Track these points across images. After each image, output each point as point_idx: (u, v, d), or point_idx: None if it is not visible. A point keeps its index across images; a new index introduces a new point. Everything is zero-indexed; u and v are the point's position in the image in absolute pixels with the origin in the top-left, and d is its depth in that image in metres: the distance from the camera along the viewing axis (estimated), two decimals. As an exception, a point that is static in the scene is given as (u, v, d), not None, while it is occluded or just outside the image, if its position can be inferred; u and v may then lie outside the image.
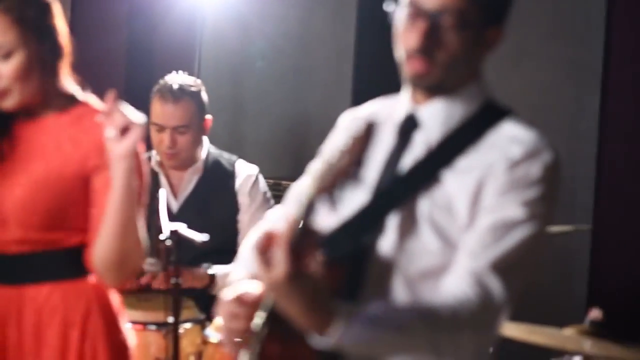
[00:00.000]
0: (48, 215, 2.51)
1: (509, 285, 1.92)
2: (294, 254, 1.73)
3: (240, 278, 2.15)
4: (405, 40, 2.04)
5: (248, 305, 1.98)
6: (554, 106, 4.67)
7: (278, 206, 2.37)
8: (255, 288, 2.01)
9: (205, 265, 3.90)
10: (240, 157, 4.30)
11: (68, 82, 2.60)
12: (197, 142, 4.10)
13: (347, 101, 4.88)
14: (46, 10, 2.51)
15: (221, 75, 4.98)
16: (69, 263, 2.57)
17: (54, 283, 2.56)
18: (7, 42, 2.44)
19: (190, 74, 4.25)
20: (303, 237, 1.74)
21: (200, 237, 3.17)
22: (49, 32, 2.52)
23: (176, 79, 4.09)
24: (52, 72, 2.54)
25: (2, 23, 2.44)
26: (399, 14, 2.05)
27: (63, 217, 2.53)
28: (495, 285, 1.91)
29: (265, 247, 1.77)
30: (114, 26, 4.84)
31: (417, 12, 2.02)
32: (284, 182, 4.79)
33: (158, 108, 4.03)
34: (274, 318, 1.89)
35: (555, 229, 3.62)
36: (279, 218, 2.24)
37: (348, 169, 1.74)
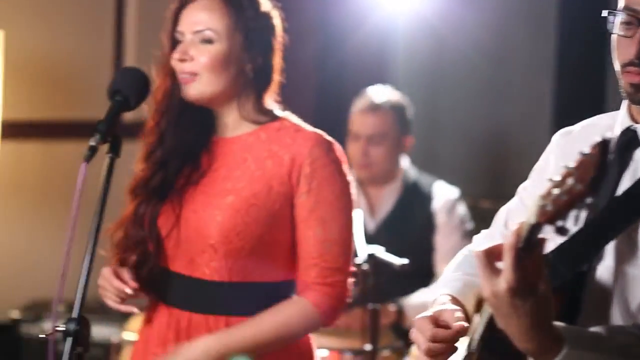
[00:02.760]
0: (257, 241, 2.42)
1: None
2: (521, 267, 1.61)
3: (442, 299, 2.07)
4: (620, 50, 1.91)
5: (446, 326, 1.91)
6: None
7: (483, 230, 2.27)
8: (455, 311, 1.93)
9: (391, 303, 3.86)
10: (435, 176, 4.22)
11: (269, 102, 2.54)
12: (393, 157, 4.06)
13: (547, 118, 4.67)
14: (267, 24, 2.49)
15: (415, 92, 4.88)
16: (273, 298, 2.48)
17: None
18: (215, 28, 2.42)
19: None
20: (530, 252, 1.62)
21: (400, 260, 3.06)
22: (262, 44, 2.47)
23: (380, 90, 4.10)
24: (250, 84, 2.48)
25: (219, 9, 2.43)
26: (614, 21, 1.90)
27: (272, 242, 2.44)
28: None
29: (490, 257, 1.66)
30: (305, 38, 4.85)
31: (633, 19, 1.87)
32: (481, 202, 4.67)
33: (355, 116, 4.04)
34: (485, 344, 1.80)
35: None
36: (486, 240, 2.13)
37: (580, 190, 1.53)
